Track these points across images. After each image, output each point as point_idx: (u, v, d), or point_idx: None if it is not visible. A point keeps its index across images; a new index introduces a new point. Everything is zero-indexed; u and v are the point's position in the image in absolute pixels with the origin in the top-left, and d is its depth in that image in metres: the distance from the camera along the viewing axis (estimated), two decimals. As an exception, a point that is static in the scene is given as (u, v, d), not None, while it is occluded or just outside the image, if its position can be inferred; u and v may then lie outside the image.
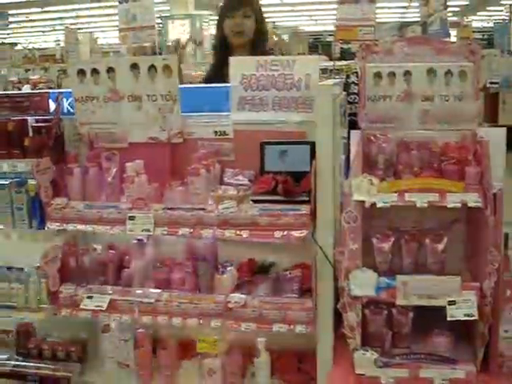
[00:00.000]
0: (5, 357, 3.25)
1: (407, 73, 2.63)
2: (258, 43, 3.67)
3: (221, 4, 3.86)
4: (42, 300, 2.97)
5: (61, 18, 21.23)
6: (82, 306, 2.88)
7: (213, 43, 4.05)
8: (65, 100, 3.10)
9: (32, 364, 3.17)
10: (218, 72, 3.59)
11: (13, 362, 3.20)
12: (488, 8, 22.87)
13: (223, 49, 3.74)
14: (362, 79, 2.68)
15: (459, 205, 2.36)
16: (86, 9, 19.24)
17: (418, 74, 2.63)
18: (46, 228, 2.89)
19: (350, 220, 2.42)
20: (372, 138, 2.64)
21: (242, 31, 3.65)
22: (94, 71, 2.93)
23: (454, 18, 19.79)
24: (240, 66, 2.81)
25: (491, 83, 11.78)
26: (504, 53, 14.09)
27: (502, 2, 18.84)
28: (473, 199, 2.37)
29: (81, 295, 2.91)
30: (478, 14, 24.34)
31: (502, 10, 19.33)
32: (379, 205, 2.39)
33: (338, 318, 2.61)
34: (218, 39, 3.84)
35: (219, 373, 2.88)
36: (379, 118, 2.67)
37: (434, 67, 2.62)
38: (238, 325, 2.71)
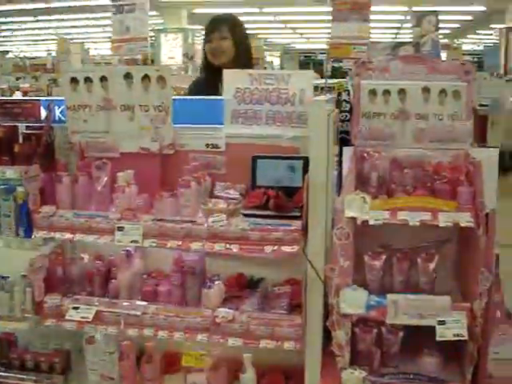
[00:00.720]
0: (-14, 367, 3.19)
1: (402, 91, 2.63)
2: (239, 65, 3.62)
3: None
4: (27, 309, 2.92)
5: (53, 28, 21.21)
6: (67, 317, 2.84)
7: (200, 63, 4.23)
8: (56, 108, 3.08)
9: (14, 375, 3.12)
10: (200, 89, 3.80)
11: (-6, 373, 3.14)
12: (478, 31, 23.12)
13: (207, 70, 3.91)
14: (356, 96, 2.67)
15: (451, 224, 2.35)
16: (79, 19, 19.23)
17: (412, 92, 2.63)
18: (32, 236, 2.85)
19: (342, 237, 2.40)
20: (365, 155, 2.63)
21: (219, 53, 3.75)
22: (87, 79, 2.91)
23: (445, 41, 20.00)
24: (234, 79, 2.80)
25: (480, 105, 11.85)
26: (493, 75, 14.21)
27: (491, 26, 19.06)
28: (465, 219, 2.35)
29: (66, 306, 2.86)
30: (469, 36, 24.59)
31: (491, 34, 19.55)
32: (371, 222, 2.38)
33: (326, 335, 2.59)
34: (202, 60, 4.03)
35: (204, 388, 2.84)
36: (372, 136, 2.67)
37: (429, 86, 2.62)
38: (225, 340, 2.68)
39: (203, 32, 3.97)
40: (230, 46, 3.75)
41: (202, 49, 3.93)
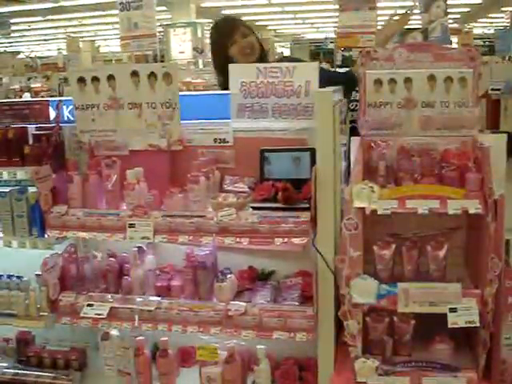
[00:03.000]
0: (5, 365, 3.25)
1: (408, 79, 2.62)
2: (263, 57, 3.64)
3: (213, 34, 3.76)
4: (42, 308, 2.96)
5: (63, 27, 21.28)
6: (82, 314, 2.88)
7: (217, 68, 3.81)
8: (65, 108, 3.11)
9: (32, 372, 3.16)
10: None
11: (13, 371, 3.19)
12: (489, 15, 22.89)
13: None
14: (362, 86, 2.67)
15: (460, 211, 2.35)
16: (89, 17, 19.28)
17: (418, 80, 2.62)
18: (45, 236, 2.89)
19: (351, 227, 2.41)
20: (372, 144, 2.63)
21: (251, 49, 3.57)
22: (95, 79, 2.93)
23: (455, 25, 19.82)
24: (239, 73, 2.80)
25: (493, 90, 11.75)
26: (505, 59, 14.08)
27: (502, 9, 18.87)
28: (473, 206, 2.35)
29: (81, 303, 2.91)
30: (479, 20, 24.36)
31: (502, 17, 19.34)
32: (380, 212, 2.38)
33: (339, 325, 2.60)
34: (224, 62, 3.52)
35: (218, 381, 2.87)
36: (380, 125, 2.66)
37: (435, 73, 2.61)
38: (238, 332, 2.71)
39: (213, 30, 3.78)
40: (255, 41, 3.61)
41: (222, 56, 3.62)
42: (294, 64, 2.77)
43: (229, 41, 3.60)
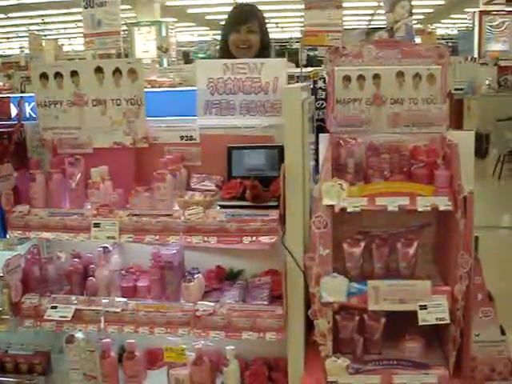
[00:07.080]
0: (-35, 371, 3.15)
1: (376, 76, 2.61)
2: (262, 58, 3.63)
3: (226, 18, 3.79)
4: (4, 311, 2.87)
5: (26, 25, 20.97)
6: (46, 317, 2.80)
7: (218, 50, 3.94)
8: (27, 105, 3.03)
9: (-6, 378, 3.08)
10: None
11: (-27, 377, 3.10)
12: (452, 16, 23.21)
13: None
14: (330, 82, 2.65)
15: (429, 208, 2.35)
16: (52, 15, 19.02)
17: (387, 77, 2.61)
18: (7, 236, 2.80)
19: (320, 225, 2.38)
20: (341, 141, 2.61)
21: (247, 46, 3.61)
22: (58, 75, 2.86)
23: (419, 26, 20.06)
24: (206, 69, 2.76)
25: (456, 89, 11.93)
26: (468, 59, 14.30)
27: (465, 10, 19.14)
28: (443, 202, 2.35)
29: (45, 305, 2.82)
30: (442, 21, 24.69)
31: (465, 18, 19.64)
32: (349, 209, 2.36)
33: (309, 324, 2.57)
34: (222, 54, 3.78)
35: (187, 383, 2.82)
36: (348, 122, 2.65)
37: (403, 70, 2.60)
38: (207, 333, 2.66)
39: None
40: (257, 41, 3.62)
41: (222, 39, 3.74)
42: (262, 60, 2.74)
43: (234, 27, 3.63)
